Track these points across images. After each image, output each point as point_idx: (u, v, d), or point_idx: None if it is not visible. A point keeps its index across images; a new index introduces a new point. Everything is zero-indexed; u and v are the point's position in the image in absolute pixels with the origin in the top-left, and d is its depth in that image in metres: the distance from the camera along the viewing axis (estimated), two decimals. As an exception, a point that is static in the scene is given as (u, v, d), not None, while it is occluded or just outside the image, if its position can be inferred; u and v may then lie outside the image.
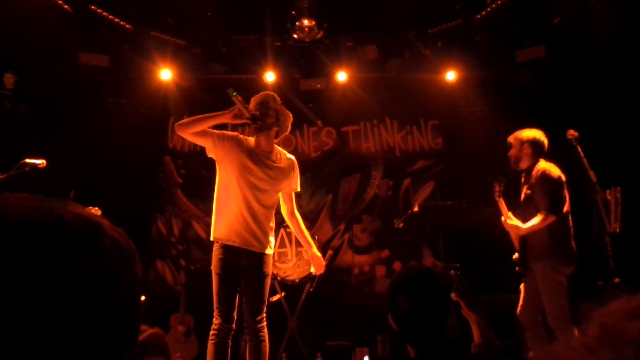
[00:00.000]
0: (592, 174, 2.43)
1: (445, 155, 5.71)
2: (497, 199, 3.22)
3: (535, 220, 3.10)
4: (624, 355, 0.44)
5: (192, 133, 2.82)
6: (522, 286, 3.30)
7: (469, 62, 5.43)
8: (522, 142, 3.31)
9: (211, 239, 2.91)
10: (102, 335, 0.54)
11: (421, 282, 1.57)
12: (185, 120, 2.89)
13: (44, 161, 2.91)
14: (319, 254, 3.07)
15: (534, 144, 3.28)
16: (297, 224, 3.07)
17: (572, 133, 2.70)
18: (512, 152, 3.38)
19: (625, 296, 0.51)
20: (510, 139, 3.42)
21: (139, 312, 0.60)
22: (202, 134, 2.84)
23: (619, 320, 0.47)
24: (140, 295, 0.61)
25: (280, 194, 3.01)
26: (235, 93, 2.68)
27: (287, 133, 3.04)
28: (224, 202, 2.89)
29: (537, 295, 3.12)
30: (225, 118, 2.78)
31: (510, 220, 3.20)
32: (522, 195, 3.30)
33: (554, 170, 3.13)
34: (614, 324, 0.47)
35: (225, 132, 2.94)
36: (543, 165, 3.20)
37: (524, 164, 3.33)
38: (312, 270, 3.07)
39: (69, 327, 0.51)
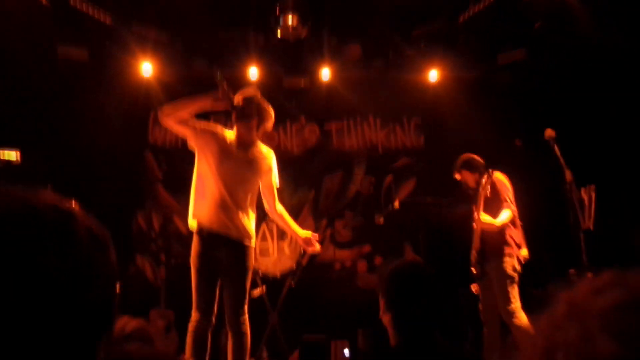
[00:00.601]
0: (568, 172, 2.51)
1: (427, 153, 5.79)
2: (480, 192, 3.31)
3: (506, 215, 3.33)
4: (589, 328, 0.47)
5: (176, 121, 2.81)
6: (476, 288, 3.47)
7: (451, 63, 5.51)
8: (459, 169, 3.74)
9: (189, 225, 2.90)
10: (77, 324, 0.54)
11: (424, 275, 1.63)
12: (167, 107, 2.86)
13: (17, 152, 2.84)
14: (309, 233, 3.06)
15: (471, 164, 3.71)
16: (281, 217, 3.07)
17: (549, 133, 2.78)
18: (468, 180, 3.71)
19: (590, 276, 0.54)
20: (457, 175, 3.79)
21: (114, 300, 0.60)
22: (184, 122, 2.83)
23: (584, 296, 0.50)
24: (115, 284, 0.61)
25: (260, 189, 3.02)
26: (220, 77, 2.70)
27: (269, 129, 3.04)
28: (202, 189, 2.88)
29: (493, 295, 3.30)
30: (207, 101, 2.78)
31: (484, 216, 3.32)
32: (479, 209, 3.46)
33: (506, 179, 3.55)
34: (580, 300, 0.50)
35: (207, 122, 2.95)
36: (497, 175, 3.53)
37: (472, 184, 3.67)
38: (308, 251, 3.05)
39: (44, 317, 0.51)
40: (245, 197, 2.90)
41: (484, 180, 3.42)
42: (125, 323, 1.77)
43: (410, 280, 1.65)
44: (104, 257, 0.59)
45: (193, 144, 2.89)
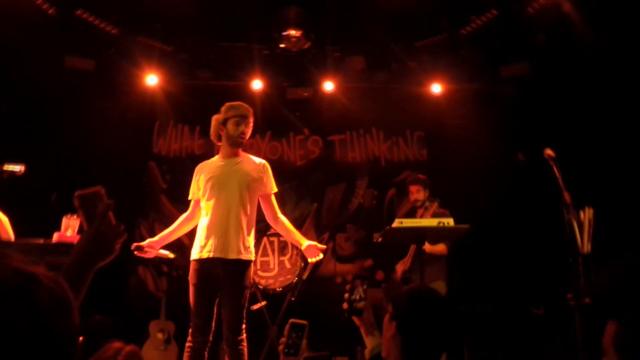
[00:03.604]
0: (566, 194, 2.49)
1: (429, 167, 5.78)
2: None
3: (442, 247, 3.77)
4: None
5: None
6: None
7: (454, 75, 5.51)
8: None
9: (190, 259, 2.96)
10: None
11: (439, 304, 1.64)
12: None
13: (23, 167, 2.88)
14: (313, 242, 3.06)
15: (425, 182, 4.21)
16: (283, 226, 3.07)
17: (548, 153, 2.77)
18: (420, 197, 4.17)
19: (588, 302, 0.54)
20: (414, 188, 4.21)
21: (74, 356, 0.62)
22: (195, 212, 3.06)
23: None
24: (76, 343, 0.64)
25: (260, 200, 3.04)
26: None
27: (241, 136, 3.03)
28: (200, 225, 2.96)
29: None
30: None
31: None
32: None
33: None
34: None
35: (194, 184, 3.05)
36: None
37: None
38: (311, 260, 3.04)
39: None
40: (244, 209, 2.91)
41: (431, 207, 3.92)
42: (118, 349, 1.77)
43: (427, 305, 1.65)
44: (65, 317, 0.61)
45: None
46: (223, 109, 3.03)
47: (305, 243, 3.02)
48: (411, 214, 4.31)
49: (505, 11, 4.84)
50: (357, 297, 1.80)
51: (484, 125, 5.32)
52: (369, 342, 1.77)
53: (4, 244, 2.94)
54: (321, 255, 3.05)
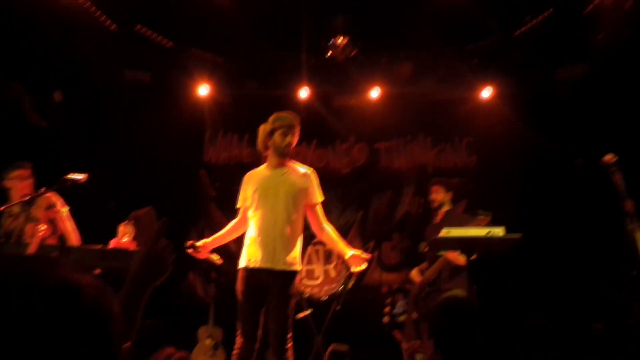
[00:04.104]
0: (628, 202, 2.34)
1: (479, 173, 5.60)
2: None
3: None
4: None
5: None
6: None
7: (505, 79, 5.33)
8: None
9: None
10: None
11: (471, 312, 1.61)
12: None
13: (85, 176, 3.04)
14: (357, 251, 3.03)
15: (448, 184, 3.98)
16: (328, 236, 3.04)
17: (608, 159, 2.60)
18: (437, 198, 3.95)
19: None
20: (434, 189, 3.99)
21: None
22: (244, 219, 3.08)
23: None
24: (116, 351, 0.65)
25: (305, 209, 3.05)
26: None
27: (288, 146, 3.04)
28: (249, 230, 3.00)
29: None
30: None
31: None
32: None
33: None
34: None
35: (242, 193, 3.07)
36: None
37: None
38: (355, 269, 3.00)
39: None
40: (291, 219, 2.92)
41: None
42: (170, 354, 1.83)
43: (453, 313, 1.64)
44: (106, 327, 0.64)
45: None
46: (270, 119, 3.06)
47: (349, 253, 2.99)
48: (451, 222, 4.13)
49: (562, 10, 4.63)
50: (399, 311, 1.78)
51: (537, 130, 5.10)
52: (409, 357, 1.75)
53: (66, 250, 3.12)
54: (365, 265, 2.99)
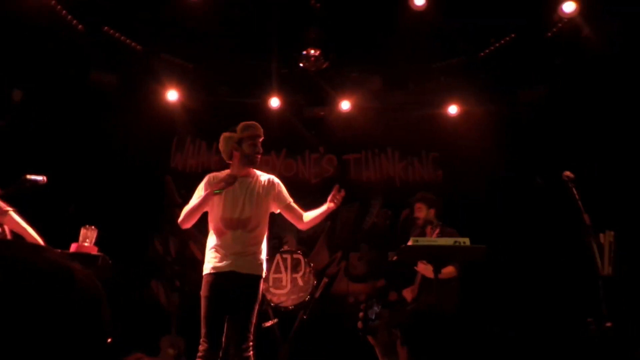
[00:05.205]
0: (586, 216, 2.46)
1: (445, 188, 5.74)
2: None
3: (450, 269, 3.63)
4: None
5: (194, 222, 2.98)
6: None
7: (471, 97, 5.52)
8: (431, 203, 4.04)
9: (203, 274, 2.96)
10: None
11: (444, 319, 1.63)
12: (183, 219, 2.99)
13: (45, 177, 2.94)
14: (330, 202, 2.99)
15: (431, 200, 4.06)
16: (308, 217, 3.06)
17: (567, 175, 2.74)
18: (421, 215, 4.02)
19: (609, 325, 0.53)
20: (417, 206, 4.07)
21: (104, 349, 0.63)
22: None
23: None
24: (106, 335, 0.65)
25: (283, 214, 3.08)
26: (217, 191, 2.86)
27: (257, 156, 3.05)
28: (211, 237, 2.98)
29: None
30: (211, 196, 2.92)
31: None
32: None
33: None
34: None
35: (206, 185, 3.02)
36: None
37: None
38: (328, 206, 3.00)
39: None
40: (251, 230, 2.93)
41: (433, 230, 3.80)
42: (140, 358, 1.79)
43: (426, 321, 1.66)
44: (97, 311, 0.64)
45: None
46: (239, 128, 3.07)
47: (327, 204, 2.99)
48: (422, 233, 4.25)
49: (524, 35, 4.85)
50: (372, 316, 1.80)
51: (500, 147, 5.29)
52: None
53: (74, 262, 2.98)
54: (339, 199, 2.97)
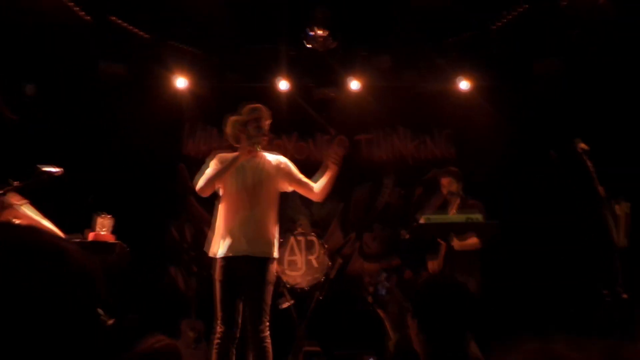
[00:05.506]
0: (600, 188, 2.42)
1: (458, 165, 5.68)
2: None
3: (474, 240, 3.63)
4: None
5: (211, 191, 3.00)
6: None
7: (483, 72, 5.42)
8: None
9: (209, 254, 2.98)
10: (65, 347, 0.60)
11: (454, 291, 1.62)
12: (202, 184, 2.99)
13: (61, 169, 2.98)
14: (330, 153, 3.05)
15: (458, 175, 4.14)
16: (319, 186, 3.07)
17: (582, 146, 2.69)
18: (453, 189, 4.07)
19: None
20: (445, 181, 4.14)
21: (98, 328, 0.66)
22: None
23: None
24: (98, 309, 0.66)
25: (297, 191, 3.10)
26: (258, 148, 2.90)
27: (263, 137, 3.07)
28: (221, 217, 2.99)
29: None
30: (239, 161, 2.91)
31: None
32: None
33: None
34: None
35: (221, 158, 3.04)
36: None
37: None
38: (330, 168, 3.03)
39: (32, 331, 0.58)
40: (265, 207, 2.95)
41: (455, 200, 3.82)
42: (159, 339, 1.83)
43: (436, 290, 1.65)
44: (92, 290, 0.65)
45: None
46: (244, 111, 3.08)
47: (329, 166, 3.01)
48: (441, 211, 4.23)
49: (538, 5, 4.72)
50: (383, 291, 1.81)
51: (514, 122, 5.21)
52: (394, 335, 1.77)
53: (69, 243, 3.05)
54: (342, 152, 3.04)
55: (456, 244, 3.56)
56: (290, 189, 3.16)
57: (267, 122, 3.07)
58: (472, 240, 3.63)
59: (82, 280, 0.64)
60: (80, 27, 4.77)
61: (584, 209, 2.79)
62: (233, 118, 3.09)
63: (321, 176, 3.08)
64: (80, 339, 0.62)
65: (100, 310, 0.68)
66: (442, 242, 3.77)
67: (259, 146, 3.05)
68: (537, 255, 4.63)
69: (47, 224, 3.22)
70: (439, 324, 1.57)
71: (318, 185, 3.10)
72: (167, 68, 5.42)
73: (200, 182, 3.00)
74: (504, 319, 3.62)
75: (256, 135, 3.01)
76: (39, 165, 2.90)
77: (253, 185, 2.96)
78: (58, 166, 3.02)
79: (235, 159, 2.93)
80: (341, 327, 4.61)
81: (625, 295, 2.16)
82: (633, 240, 2.28)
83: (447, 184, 4.07)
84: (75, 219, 3.42)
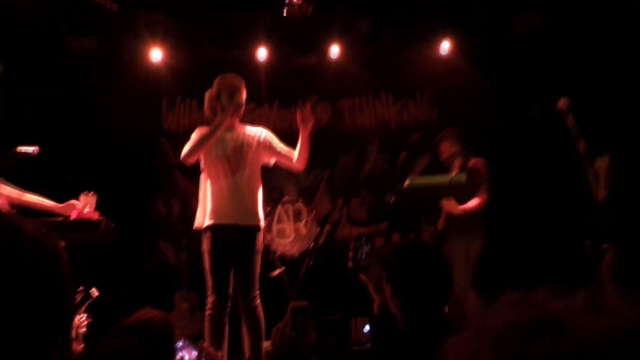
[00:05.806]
0: (581, 143, 2.46)
1: (441, 127, 5.69)
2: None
3: (475, 202, 3.61)
4: (481, 346, 0.46)
5: (196, 159, 2.99)
6: None
7: (464, 32, 5.38)
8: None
9: (196, 226, 2.99)
10: (27, 329, 0.57)
11: (427, 254, 1.61)
12: (186, 153, 2.96)
13: (37, 148, 2.92)
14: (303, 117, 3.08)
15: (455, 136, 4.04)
16: (296, 153, 3.09)
17: (562, 103, 2.71)
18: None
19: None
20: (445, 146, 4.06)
21: (66, 308, 0.63)
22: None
23: (489, 314, 0.49)
24: (65, 294, 0.64)
25: (278, 162, 3.10)
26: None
27: (237, 107, 3.06)
28: (205, 189, 2.99)
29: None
30: (223, 124, 2.88)
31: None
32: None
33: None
34: (483, 318, 0.49)
35: (202, 129, 3.02)
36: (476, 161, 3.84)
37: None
38: (301, 131, 3.07)
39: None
40: (246, 177, 2.95)
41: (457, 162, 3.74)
42: (150, 310, 1.84)
43: (413, 257, 1.63)
44: (52, 268, 0.63)
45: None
46: (215, 82, 3.04)
47: (300, 130, 3.04)
48: (427, 174, 4.23)
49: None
50: (363, 255, 1.82)
51: (496, 80, 5.21)
52: (378, 297, 1.79)
53: (26, 221, 3.01)
54: (312, 116, 3.10)
55: (459, 209, 3.55)
56: (272, 162, 3.16)
57: (240, 91, 3.02)
58: (474, 203, 3.57)
59: (41, 260, 0.61)
60: (45, 1, 4.57)
61: (565, 165, 2.84)
62: (207, 92, 3.05)
63: (300, 144, 3.08)
64: (39, 322, 0.59)
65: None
66: (442, 206, 3.73)
67: (238, 113, 3.03)
68: (520, 211, 4.73)
69: (30, 196, 3.15)
70: (412, 288, 1.57)
71: (295, 153, 3.10)
72: (141, 40, 5.25)
73: (185, 149, 3.00)
74: (490, 274, 3.72)
75: (230, 104, 2.98)
76: (16, 148, 2.83)
77: (234, 153, 2.96)
78: (33, 145, 2.96)
79: (219, 123, 2.91)
80: (332, 292, 4.70)
81: (606, 246, 2.23)
82: (612, 192, 2.34)
83: (447, 148, 4.00)
84: (56, 199, 3.37)
